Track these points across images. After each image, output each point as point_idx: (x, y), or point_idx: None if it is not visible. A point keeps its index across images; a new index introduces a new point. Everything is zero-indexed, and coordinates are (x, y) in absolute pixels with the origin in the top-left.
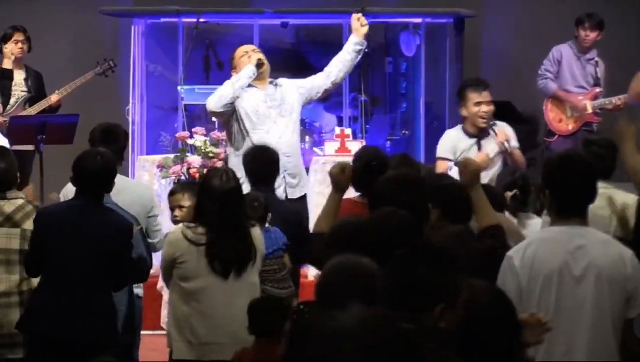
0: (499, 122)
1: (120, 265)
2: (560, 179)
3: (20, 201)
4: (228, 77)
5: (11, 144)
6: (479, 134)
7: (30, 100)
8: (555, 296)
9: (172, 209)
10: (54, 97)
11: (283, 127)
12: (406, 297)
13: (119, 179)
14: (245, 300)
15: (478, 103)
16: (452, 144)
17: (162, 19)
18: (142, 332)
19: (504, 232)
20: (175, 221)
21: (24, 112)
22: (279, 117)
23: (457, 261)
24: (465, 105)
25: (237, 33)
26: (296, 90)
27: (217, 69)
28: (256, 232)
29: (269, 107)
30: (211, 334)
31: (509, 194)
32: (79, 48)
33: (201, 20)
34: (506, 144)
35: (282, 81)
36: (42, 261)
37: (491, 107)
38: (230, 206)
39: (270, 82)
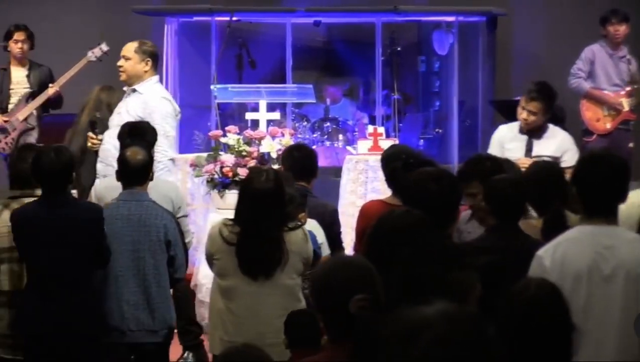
0: (552, 127)
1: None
2: (588, 178)
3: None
4: (260, 75)
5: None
6: (532, 133)
7: (33, 96)
8: (584, 295)
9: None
10: (51, 91)
11: (111, 133)
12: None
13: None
14: (276, 302)
15: (522, 108)
16: (499, 140)
17: (195, 18)
18: None
19: None
20: None
21: (25, 109)
22: (114, 126)
23: (465, 260)
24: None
25: (269, 32)
26: (141, 112)
27: (250, 67)
28: (298, 235)
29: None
30: (238, 333)
31: None
32: (110, 48)
33: (234, 19)
34: None
35: (145, 90)
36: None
37: (532, 118)
38: (266, 207)
39: (132, 89)
